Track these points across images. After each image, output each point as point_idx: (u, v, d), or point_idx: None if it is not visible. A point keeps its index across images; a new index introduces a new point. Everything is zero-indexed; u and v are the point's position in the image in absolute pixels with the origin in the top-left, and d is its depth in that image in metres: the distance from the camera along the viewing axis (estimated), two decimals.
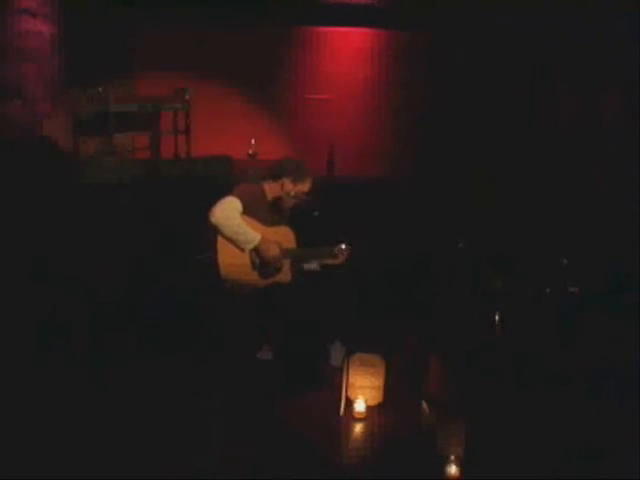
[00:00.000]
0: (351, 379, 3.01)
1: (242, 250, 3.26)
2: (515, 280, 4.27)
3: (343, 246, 3.55)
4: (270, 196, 3.47)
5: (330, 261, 3.58)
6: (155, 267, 4.28)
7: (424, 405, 2.87)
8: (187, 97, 6.42)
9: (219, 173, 5.74)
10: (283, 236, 3.47)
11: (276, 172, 3.46)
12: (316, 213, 3.54)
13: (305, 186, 3.45)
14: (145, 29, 6.67)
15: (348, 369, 3.02)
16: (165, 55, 6.64)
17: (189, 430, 2.77)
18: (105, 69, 6.22)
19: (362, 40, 7.37)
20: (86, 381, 3.10)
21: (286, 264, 3.46)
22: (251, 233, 3.25)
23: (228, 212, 3.19)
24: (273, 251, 3.31)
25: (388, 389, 3.06)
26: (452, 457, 2.50)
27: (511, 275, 4.30)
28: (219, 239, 3.21)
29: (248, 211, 3.27)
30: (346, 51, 7.36)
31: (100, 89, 6.09)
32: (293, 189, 3.42)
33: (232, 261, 3.25)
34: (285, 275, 3.45)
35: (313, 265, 3.64)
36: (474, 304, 4.04)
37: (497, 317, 3.85)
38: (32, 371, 3.11)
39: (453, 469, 2.48)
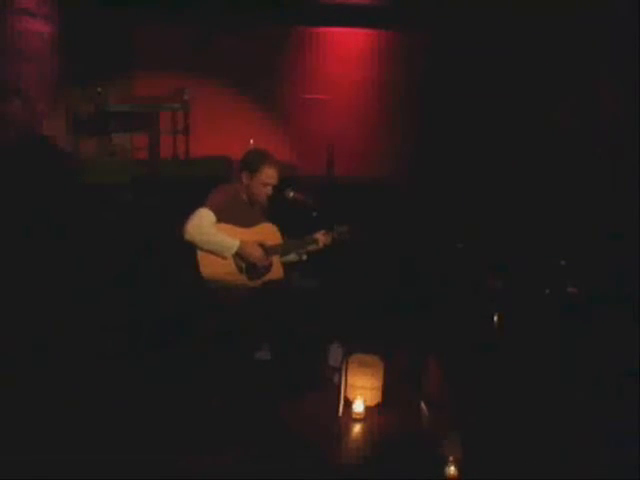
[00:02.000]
0: (350, 380, 3.00)
1: (224, 258, 3.23)
2: (514, 281, 4.27)
3: (323, 231, 3.56)
4: (244, 195, 3.41)
5: (313, 247, 3.57)
6: (154, 267, 4.28)
7: (423, 406, 2.87)
8: (186, 97, 6.43)
9: (218, 173, 5.74)
10: (266, 234, 3.44)
11: (239, 168, 3.41)
12: (315, 213, 3.53)
13: (266, 176, 3.34)
14: (144, 29, 6.66)
15: (347, 370, 3.01)
16: (164, 55, 6.63)
17: (189, 431, 2.76)
18: (104, 69, 6.22)
19: (361, 40, 7.37)
20: (85, 381, 3.10)
21: (276, 260, 3.45)
22: (228, 241, 3.20)
23: (200, 227, 3.13)
24: (255, 252, 3.28)
25: (387, 390, 3.06)
26: (451, 458, 2.50)
27: (510, 276, 4.31)
28: (199, 252, 3.18)
29: (224, 217, 3.22)
30: (345, 51, 7.35)
31: (99, 89, 6.11)
32: (251, 182, 3.35)
33: (218, 269, 3.21)
34: (276, 272, 3.44)
35: (294, 256, 3.62)
36: (473, 305, 4.04)
37: (496, 318, 3.86)
38: (32, 373, 3.11)
39: (452, 470, 2.48)
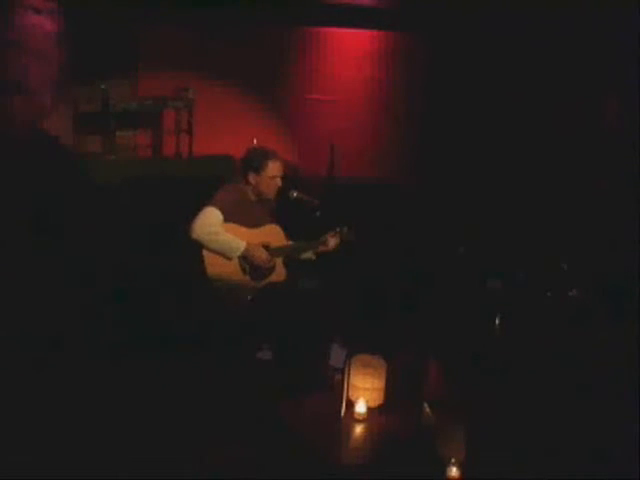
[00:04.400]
0: (352, 380, 3.00)
1: (229, 259, 3.23)
2: (516, 283, 4.27)
3: (331, 233, 3.57)
4: (251, 195, 3.42)
5: (322, 248, 3.57)
6: (154, 267, 4.27)
7: (425, 407, 2.86)
8: (190, 96, 6.43)
9: (221, 173, 5.74)
10: (271, 235, 3.45)
11: (241, 170, 3.42)
12: (318, 214, 3.53)
13: (272, 169, 3.36)
14: (148, 28, 6.66)
15: (349, 370, 3.01)
16: (167, 54, 6.64)
17: (189, 431, 2.76)
18: (108, 67, 6.23)
19: (363, 41, 7.38)
20: (85, 382, 3.09)
21: (279, 263, 3.45)
22: (235, 242, 3.20)
23: (208, 227, 3.13)
24: (261, 254, 3.29)
25: (389, 390, 3.05)
26: (453, 459, 2.50)
27: (512, 278, 4.31)
28: (204, 250, 3.18)
29: (231, 217, 3.22)
30: (347, 52, 7.36)
31: (103, 87, 6.10)
32: (259, 179, 3.36)
33: (222, 270, 3.21)
34: (279, 274, 3.44)
35: (308, 254, 3.64)
36: (475, 307, 4.04)
37: (497, 320, 3.86)
38: (31, 373, 3.11)
39: (454, 471, 2.48)
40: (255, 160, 3.38)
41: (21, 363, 3.15)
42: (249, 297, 3.31)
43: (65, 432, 2.69)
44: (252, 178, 3.37)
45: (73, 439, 2.65)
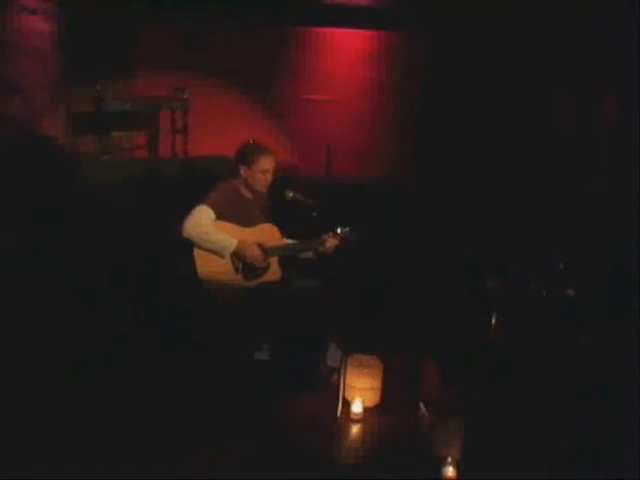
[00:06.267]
0: (348, 380, 2.99)
1: (222, 257, 3.23)
2: (511, 282, 4.27)
3: (330, 234, 3.53)
4: (244, 191, 3.42)
5: (321, 249, 3.54)
6: (151, 267, 4.27)
7: (422, 406, 2.86)
8: (185, 96, 6.42)
9: (217, 173, 5.73)
10: (266, 234, 3.43)
11: (234, 163, 3.41)
12: (315, 214, 3.52)
13: (263, 164, 3.35)
14: (145, 28, 6.66)
15: (345, 370, 3.01)
16: (164, 54, 6.64)
17: (188, 431, 2.76)
18: (104, 67, 6.21)
19: (361, 41, 7.39)
20: (83, 382, 3.09)
21: (274, 262, 3.44)
22: (226, 240, 3.20)
23: (199, 225, 3.13)
24: (253, 253, 3.28)
25: (385, 390, 3.05)
26: (449, 459, 2.50)
27: (507, 277, 4.31)
28: (195, 249, 3.18)
29: (223, 215, 3.22)
30: (345, 52, 7.37)
31: (99, 87, 6.09)
32: (250, 172, 3.35)
33: (214, 269, 3.21)
34: (273, 274, 3.43)
35: (308, 254, 3.62)
36: (470, 306, 4.05)
37: (493, 319, 3.86)
38: (28, 374, 3.10)
39: (450, 471, 2.48)
40: (247, 153, 3.38)
41: (22, 364, 3.15)
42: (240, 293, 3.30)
43: (66, 431, 2.69)
44: (243, 171, 3.37)
45: (74, 438, 2.65)
